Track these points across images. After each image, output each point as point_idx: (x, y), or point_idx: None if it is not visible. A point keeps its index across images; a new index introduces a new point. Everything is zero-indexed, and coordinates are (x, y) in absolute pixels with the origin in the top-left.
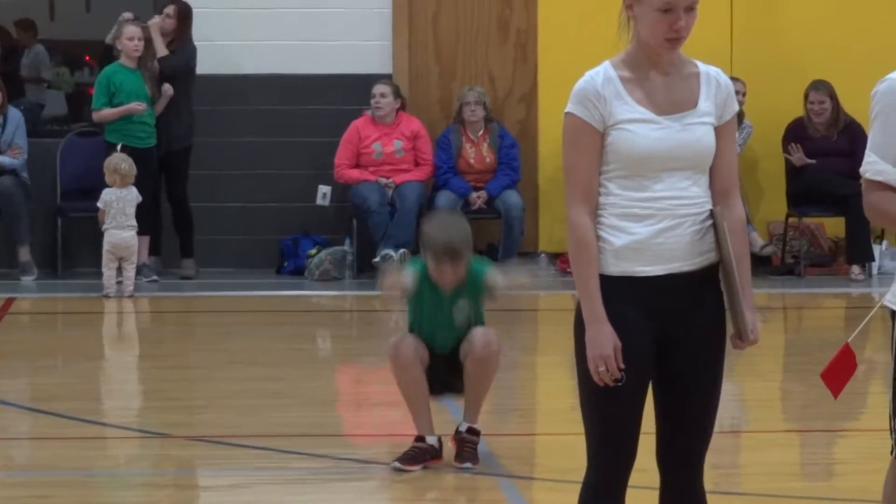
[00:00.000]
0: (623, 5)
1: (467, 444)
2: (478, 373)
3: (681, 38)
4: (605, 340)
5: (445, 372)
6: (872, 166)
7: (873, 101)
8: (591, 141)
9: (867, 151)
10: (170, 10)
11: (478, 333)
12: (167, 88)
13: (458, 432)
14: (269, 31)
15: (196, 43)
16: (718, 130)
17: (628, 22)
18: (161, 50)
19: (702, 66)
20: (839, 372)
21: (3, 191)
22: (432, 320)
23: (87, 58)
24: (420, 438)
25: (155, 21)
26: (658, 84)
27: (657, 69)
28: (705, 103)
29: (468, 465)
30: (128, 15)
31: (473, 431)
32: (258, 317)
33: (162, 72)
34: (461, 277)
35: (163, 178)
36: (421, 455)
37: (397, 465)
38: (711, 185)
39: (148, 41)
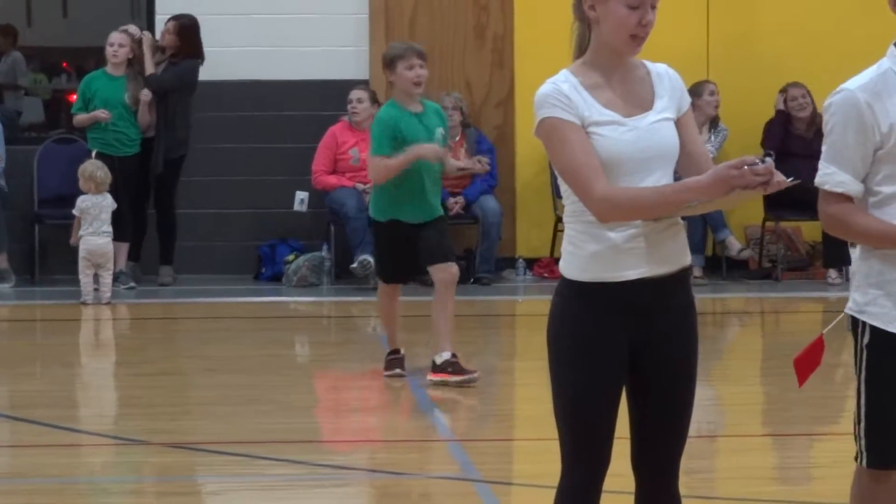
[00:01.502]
0: (584, 7)
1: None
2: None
3: (645, 36)
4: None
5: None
6: (832, 178)
7: (827, 112)
8: (578, 135)
9: (823, 163)
10: (169, 25)
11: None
12: (145, 94)
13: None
14: (244, 36)
15: None
16: (680, 122)
17: (585, 28)
18: (149, 67)
19: (650, 65)
20: (808, 362)
21: None
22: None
23: (65, 64)
24: (395, 351)
25: (146, 36)
26: (619, 87)
27: (616, 72)
28: (662, 101)
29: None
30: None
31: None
32: (236, 323)
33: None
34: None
35: (152, 186)
36: (399, 362)
37: (387, 374)
38: (689, 172)
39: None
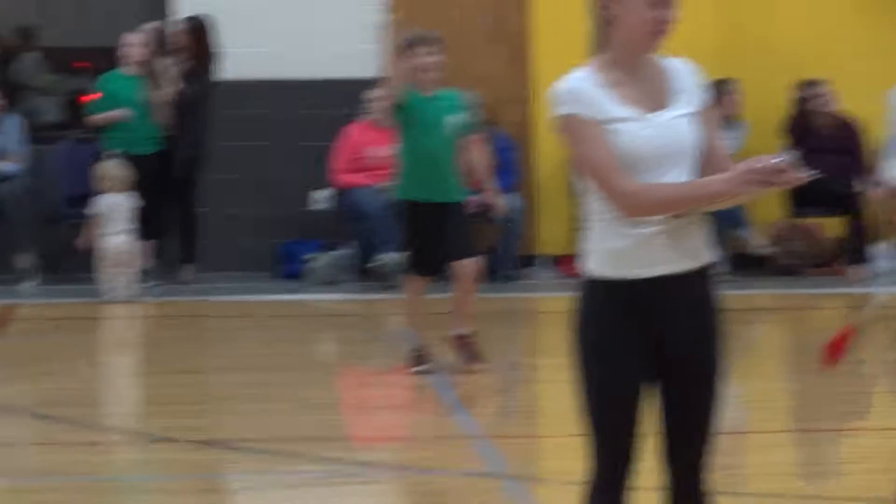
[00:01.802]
0: (598, 6)
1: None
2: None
3: (665, 34)
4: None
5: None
6: None
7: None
8: (598, 132)
9: (890, 157)
10: (182, 26)
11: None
12: (164, 94)
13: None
14: (264, 36)
15: None
16: (699, 118)
17: (602, 25)
18: (170, 86)
19: (668, 61)
20: (836, 348)
21: (3, 197)
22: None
23: (84, 64)
24: (420, 347)
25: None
26: (637, 84)
27: (635, 69)
28: (681, 97)
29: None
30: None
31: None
32: (259, 321)
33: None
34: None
35: (173, 184)
36: (425, 358)
37: (414, 371)
38: (709, 168)
39: (160, 49)
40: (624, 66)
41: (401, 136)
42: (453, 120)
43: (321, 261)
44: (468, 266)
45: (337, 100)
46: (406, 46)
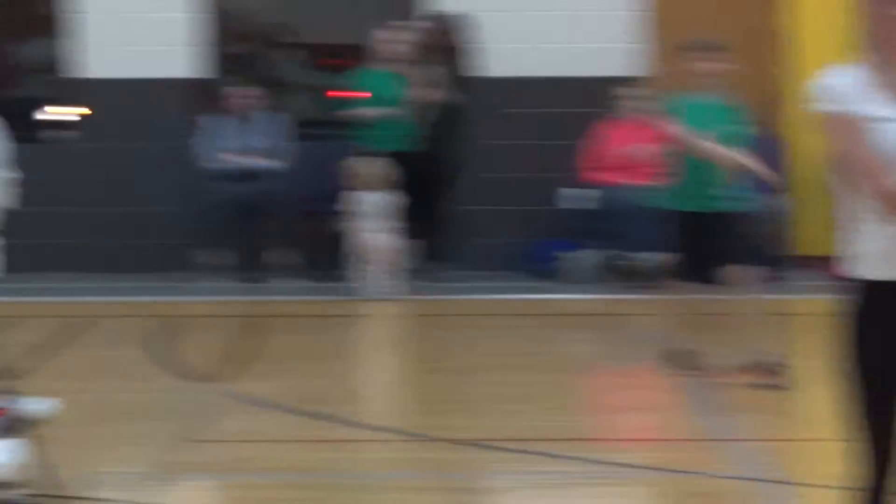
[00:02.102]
0: (863, 7)
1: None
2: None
3: None
4: None
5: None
6: None
7: None
8: (861, 129)
9: None
10: (437, 23)
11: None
12: (425, 92)
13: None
14: (522, 34)
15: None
16: None
17: (864, 25)
18: (428, 85)
19: None
20: None
21: (264, 194)
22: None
23: (340, 61)
24: (683, 350)
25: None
26: None
27: (893, 71)
28: None
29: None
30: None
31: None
32: (511, 320)
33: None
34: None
35: (430, 182)
36: (689, 360)
37: (677, 373)
38: None
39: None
40: (882, 67)
41: (669, 140)
42: (725, 127)
43: (574, 259)
44: (741, 273)
45: (588, 97)
46: (686, 49)
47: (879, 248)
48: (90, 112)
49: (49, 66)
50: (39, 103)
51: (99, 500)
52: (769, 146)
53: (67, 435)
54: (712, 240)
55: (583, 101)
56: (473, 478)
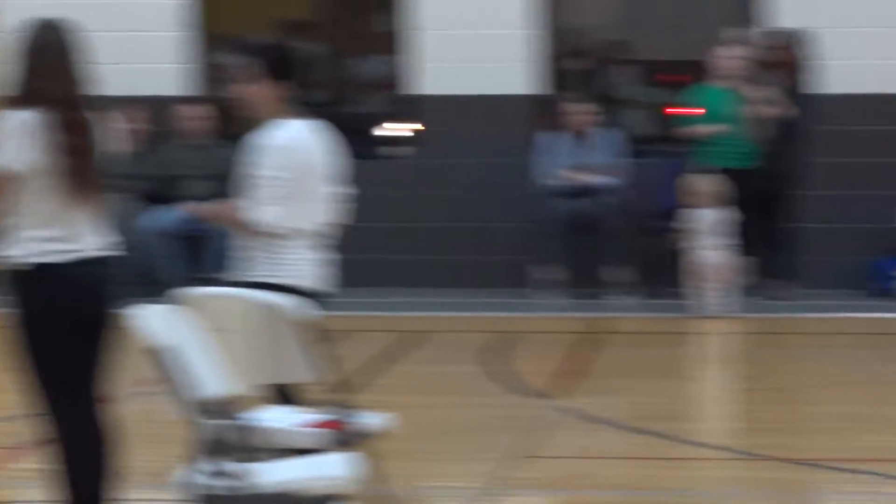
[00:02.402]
0: None
1: None
2: None
3: None
4: None
5: None
6: None
7: None
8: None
9: None
10: (778, 39)
11: None
12: (765, 109)
13: None
14: (868, 50)
15: None
16: None
17: None
18: (768, 102)
19: None
20: None
21: (601, 210)
22: None
23: (678, 77)
24: None
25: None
26: None
27: None
28: None
29: None
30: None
31: None
32: (849, 339)
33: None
34: None
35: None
36: None
37: None
38: None
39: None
40: None
41: None
42: None
43: None
44: None
45: None
46: None
47: None
48: (426, 128)
49: (387, 83)
50: (377, 119)
51: None
52: None
53: (401, 449)
54: None
55: None
56: (809, 498)
